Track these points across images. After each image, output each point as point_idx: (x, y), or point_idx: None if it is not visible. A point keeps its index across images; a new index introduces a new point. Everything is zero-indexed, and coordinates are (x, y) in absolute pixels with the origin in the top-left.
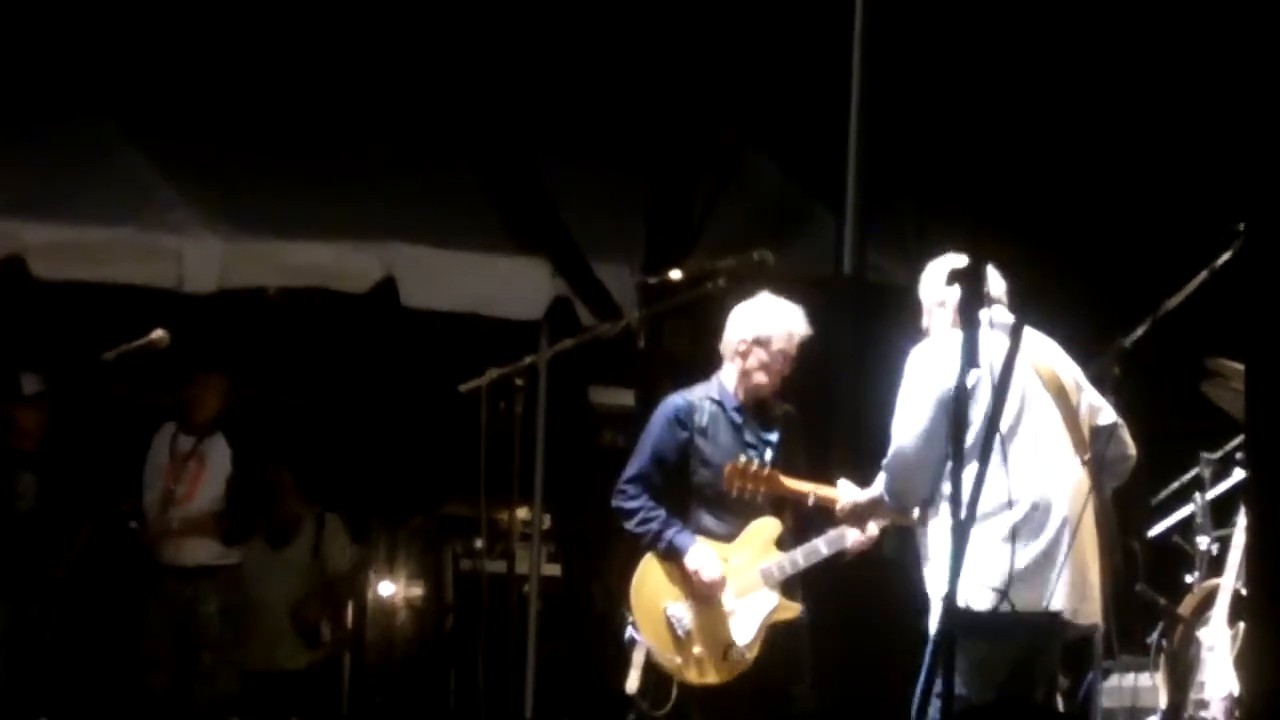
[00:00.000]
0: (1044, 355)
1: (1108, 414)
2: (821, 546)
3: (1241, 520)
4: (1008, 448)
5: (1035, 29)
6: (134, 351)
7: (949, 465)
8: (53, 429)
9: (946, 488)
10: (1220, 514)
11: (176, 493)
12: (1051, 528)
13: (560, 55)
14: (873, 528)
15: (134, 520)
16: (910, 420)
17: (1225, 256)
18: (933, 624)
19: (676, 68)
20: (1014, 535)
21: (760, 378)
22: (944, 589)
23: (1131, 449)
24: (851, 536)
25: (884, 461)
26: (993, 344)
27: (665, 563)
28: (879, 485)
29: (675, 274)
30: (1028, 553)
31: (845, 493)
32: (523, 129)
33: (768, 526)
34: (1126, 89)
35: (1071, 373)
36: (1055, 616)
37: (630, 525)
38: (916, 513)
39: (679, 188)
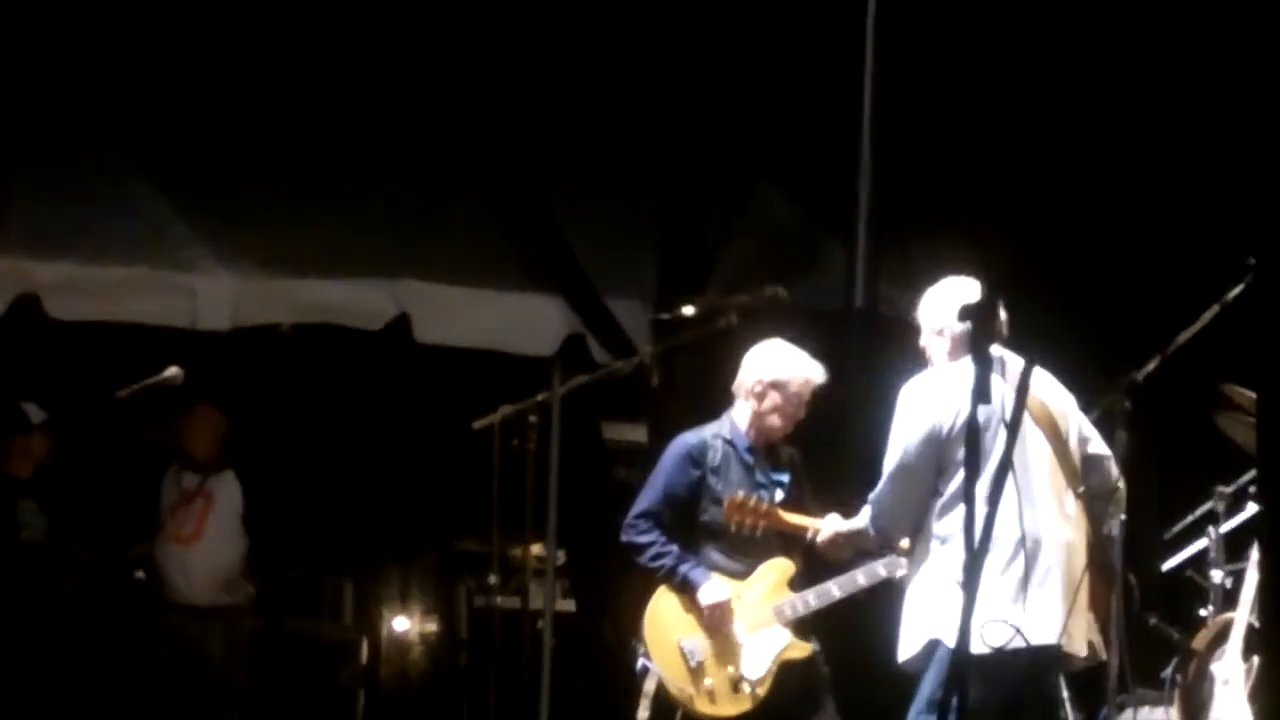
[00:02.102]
0: (1034, 386)
1: (1097, 444)
2: (834, 589)
3: (1255, 554)
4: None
5: (1046, 63)
6: (148, 389)
7: (937, 503)
8: (55, 460)
9: (934, 527)
10: (1234, 548)
11: (183, 532)
12: (1044, 562)
13: (572, 90)
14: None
15: (141, 570)
16: (897, 455)
17: (1237, 290)
18: (902, 653)
19: (688, 101)
20: (1004, 572)
21: (774, 420)
22: (933, 632)
23: (1120, 480)
24: (866, 578)
25: (870, 495)
26: (992, 380)
27: (679, 595)
28: (864, 517)
29: (688, 309)
30: (1017, 587)
31: (828, 524)
32: (535, 165)
33: (781, 566)
34: (1139, 123)
35: (1061, 402)
36: (1049, 650)
37: (643, 559)
38: (906, 543)
39: (691, 222)
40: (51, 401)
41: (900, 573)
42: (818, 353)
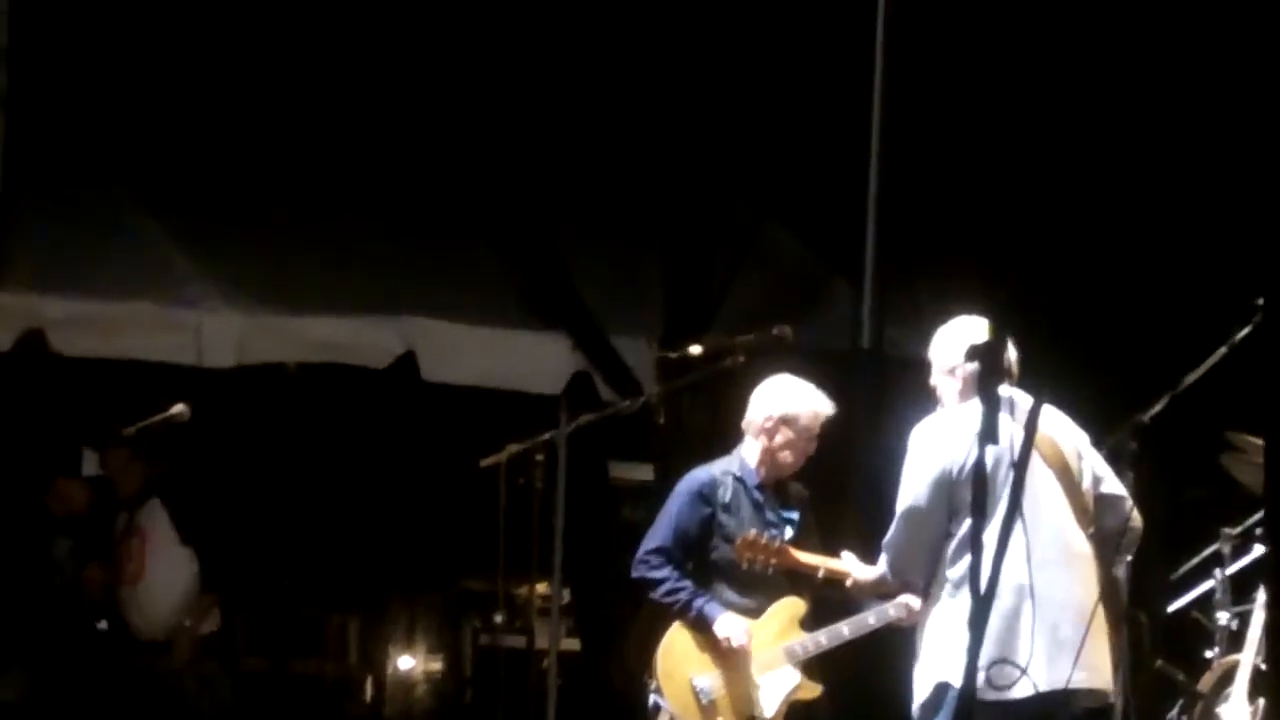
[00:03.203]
0: (1045, 424)
1: (1110, 483)
2: (845, 629)
3: (1261, 596)
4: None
5: (1052, 105)
6: (155, 426)
7: (950, 546)
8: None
9: (947, 571)
10: (1240, 589)
11: (126, 573)
12: (1054, 604)
13: (579, 130)
14: (915, 602)
15: (104, 619)
16: (908, 498)
17: (1244, 331)
18: (916, 698)
19: (695, 142)
20: (1014, 616)
21: (786, 456)
22: (943, 676)
23: (1136, 521)
24: (876, 619)
25: (884, 539)
26: (1002, 421)
27: (693, 632)
28: (881, 564)
29: (695, 349)
30: (1028, 632)
31: (852, 568)
32: (541, 203)
33: (792, 605)
34: (1147, 164)
35: (1073, 441)
36: (1061, 695)
37: (657, 594)
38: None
39: (697, 262)
40: (71, 442)
41: (899, 614)
42: (825, 392)
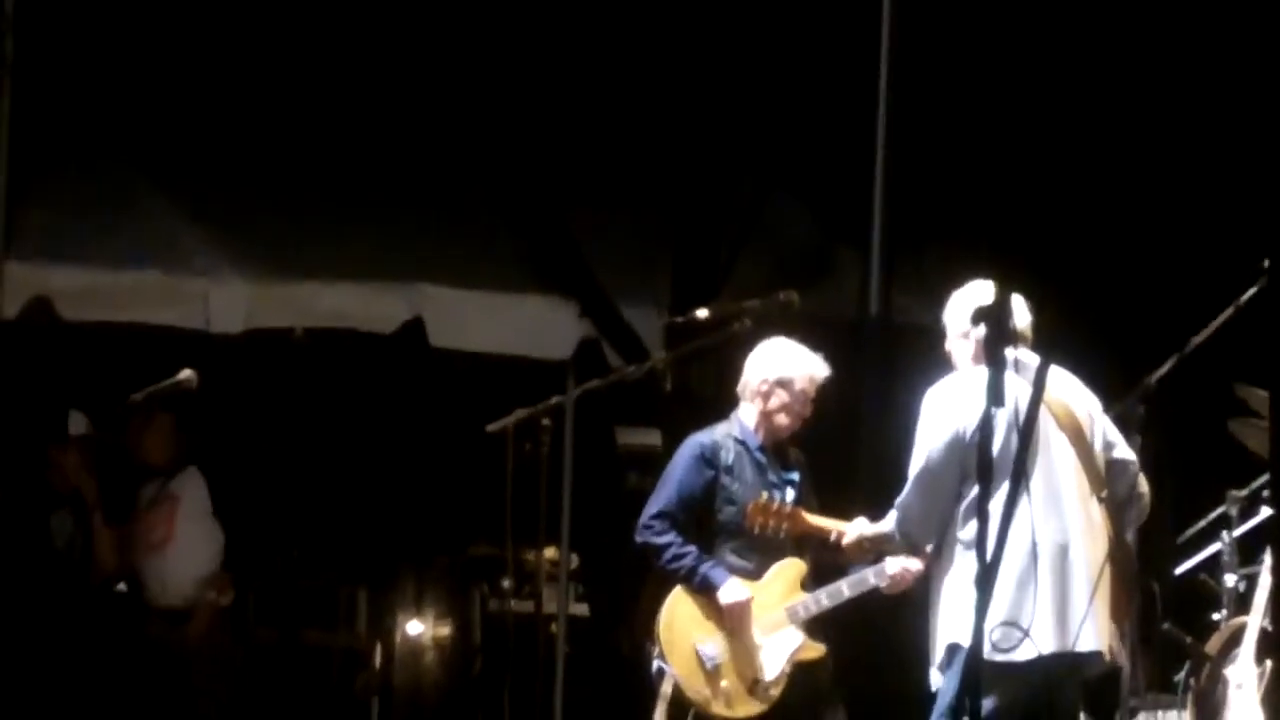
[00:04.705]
0: (1058, 389)
1: (1121, 449)
2: (845, 588)
3: (1268, 558)
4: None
5: (1060, 70)
6: (163, 393)
7: (960, 508)
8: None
9: (958, 532)
10: (1247, 551)
11: (154, 536)
12: (1066, 568)
13: (588, 98)
14: (912, 564)
15: (123, 581)
16: (921, 460)
17: (1251, 293)
18: (933, 673)
19: (703, 112)
20: (1026, 579)
21: (782, 419)
22: (955, 637)
23: (1142, 487)
24: (876, 578)
25: (897, 499)
26: (1014, 384)
27: (696, 597)
28: (889, 522)
29: (702, 313)
30: (1037, 593)
31: (854, 527)
32: (550, 171)
33: (794, 566)
34: (1152, 126)
35: (1086, 406)
36: (1069, 657)
37: (661, 560)
38: (930, 549)
39: (705, 230)
40: (81, 409)
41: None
42: (832, 361)
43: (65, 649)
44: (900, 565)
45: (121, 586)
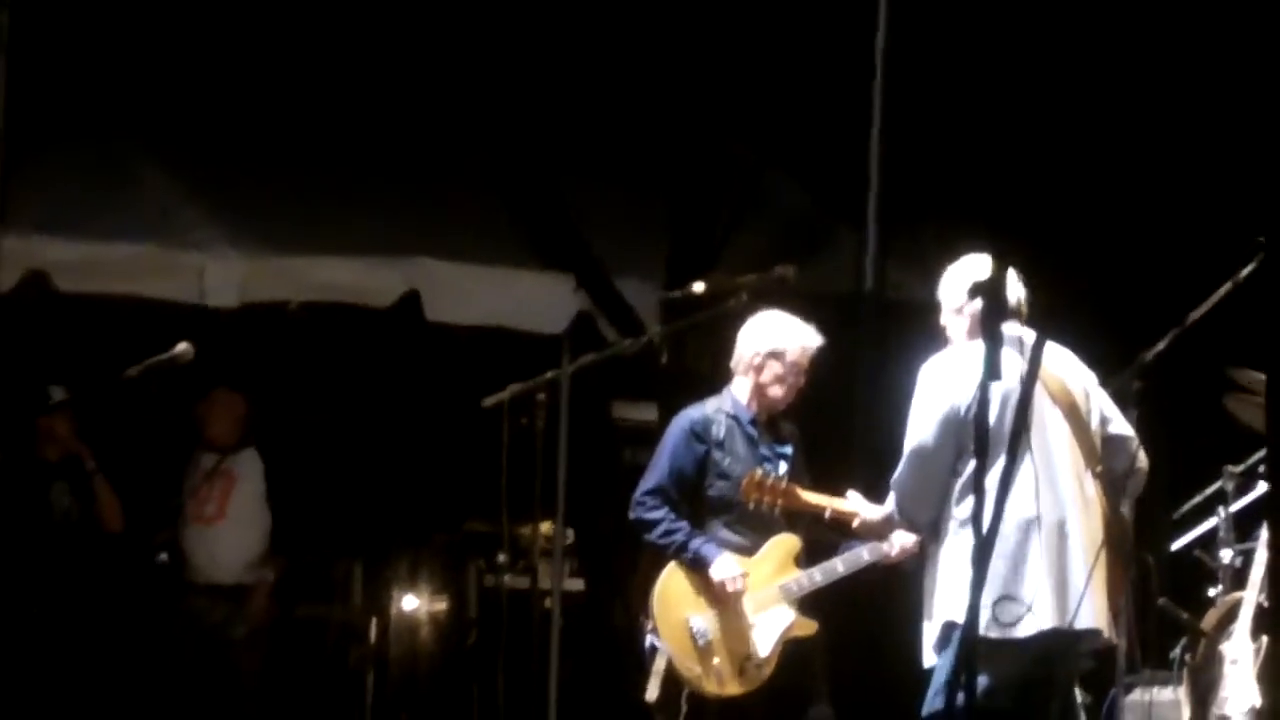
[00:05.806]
0: (1054, 364)
1: (1118, 424)
2: (839, 565)
3: (1264, 534)
4: (1017, 465)
5: (1056, 44)
6: (158, 366)
7: (957, 484)
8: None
9: (954, 509)
10: (1243, 528)
11: (206, 511)
12: (1064, 544)
13: (582, 73)
14: (907, 540)
15: (165, 552)
16: (915, 436)
17: (1248, 269)
18: (927, 652)
19: (698, 86)
20: (1023, 555)
21: (776, 391)
22: (952, 615)
23: (1142, 462)
24: (870, 554)
25: (892, 478)
26: (1010, 359)
27: (689, 573)
28: (890, 502)
29: (698, 287)
30: (1038, 572)
31: (859, 508)
32: (545, 146)
33: (788, 542)
34: (1149, 102)
35: (1082, 381)
36: (1065, 633)
37: (653, 536)
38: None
39: (701, 205)
40: (71, 382)
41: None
42: (828, 336)
43: (98, 619)
44: (898, 541)
45: (163, 557)
